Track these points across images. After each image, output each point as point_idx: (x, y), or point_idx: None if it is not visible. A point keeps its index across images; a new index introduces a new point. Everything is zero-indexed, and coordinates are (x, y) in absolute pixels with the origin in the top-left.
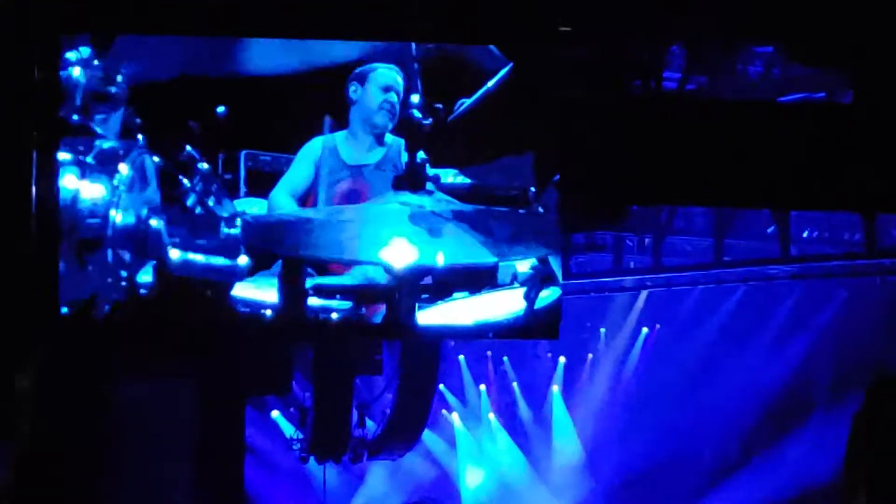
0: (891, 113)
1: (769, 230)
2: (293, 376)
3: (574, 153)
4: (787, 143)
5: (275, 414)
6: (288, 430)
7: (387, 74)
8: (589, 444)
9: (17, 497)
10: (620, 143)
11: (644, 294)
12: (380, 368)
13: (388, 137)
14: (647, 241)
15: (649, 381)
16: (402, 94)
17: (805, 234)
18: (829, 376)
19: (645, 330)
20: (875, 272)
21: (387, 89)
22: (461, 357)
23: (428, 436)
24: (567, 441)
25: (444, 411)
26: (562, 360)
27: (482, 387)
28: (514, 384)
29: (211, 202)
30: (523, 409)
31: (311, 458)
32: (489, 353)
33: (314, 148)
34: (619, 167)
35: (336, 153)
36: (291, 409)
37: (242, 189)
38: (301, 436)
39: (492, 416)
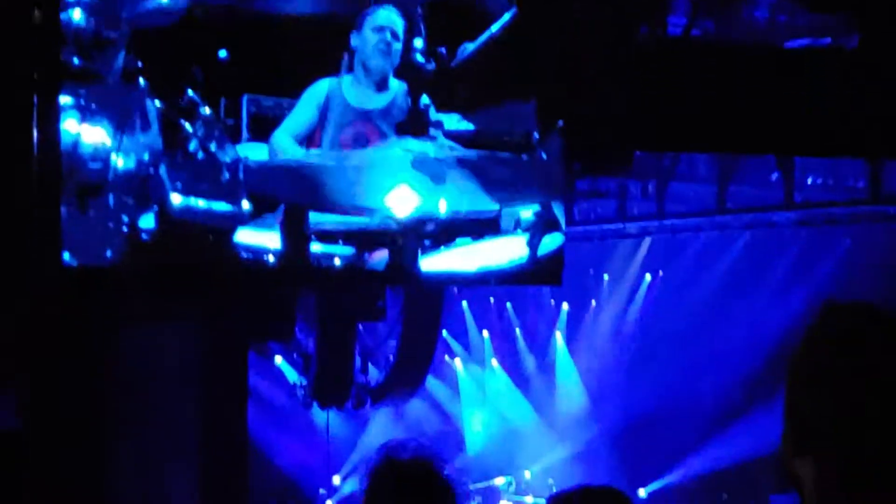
0: (894, 58)
1: (773, 177)
2: (296, 323)
3: (578, 99)
4: (791, 89)
5: (278, 360)
6: (291, 376)
7: (381, 15)
8: (592, 390)
9: (25, 443)
10: (625, 88)
11: (647, 241)
12: (383, 315)
13: (394, 82)
14: (650, 187)
15: (652, 328)
16: (400, 35)
17: (809, 181)
18: None
19: (648, 276)
20: (879, 219)
21: (380, 29)
22: (464, 303)
23: (431, 382)
24: (571, 387)
25: (446, 357)
26: (565, 306)
27: (485, 333)
28: (517, 330)
29: (213, 147)
30: (526, 355)
31: (315, 405)
32: (492, 299)
33: (319, 90)
34: (623, 113)
35: (342, 96)
36: (295, 356)
37: (245, 134)
38: (304, 382)
39: (495, 361)
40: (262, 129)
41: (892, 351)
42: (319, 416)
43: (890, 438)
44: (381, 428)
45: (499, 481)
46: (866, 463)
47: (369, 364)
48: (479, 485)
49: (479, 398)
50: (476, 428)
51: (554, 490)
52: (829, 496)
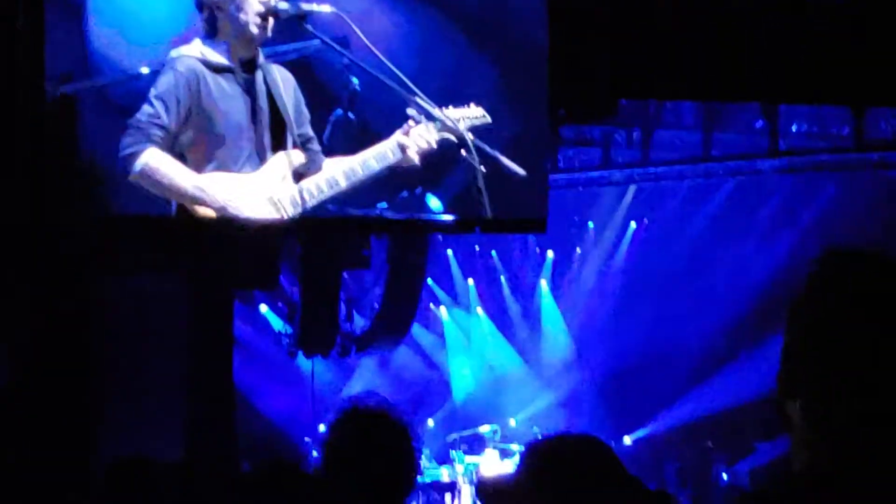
0: (881, 5)
1: (758, 124)
2: (281, 271)
3: (563, 47)
4: (776, 36)
5: (263, 308)
6: (277, 324)
7: None
8: (577, 338)
9: (15, 395)
10: (609, 35)
11: (632, 188)
12: (368, 263)
13: None
14: (635, 135)
15: (637, 275)
16: None
17: (794, 128)
18: None
19: (633, 224)
20: (863, 166)
21: None
22: (449, 251)
23: (417, 330)
24: (556, 334)
25: (431, 305)
26: (550, 254)
27: (470, 281)
28: (502, 278)
29: None
30: (512, 303)
31: (300, 353)
32: (477, 247)
33: None
34: (608, 60)
35: None
36: (280, 304)
37: None
38: (289, 330)
39: (480, 310)
40: None
41: (890, 301)
42: (305, 364)
43: (878, 385)
44: (366, 376)
45: (484, 429)
46: (852, 406)
47: (354, 312)
48: (465, 433)
49: (464, 346)
50: (462, 375)
51: (540, 437)
52: (815, 437)
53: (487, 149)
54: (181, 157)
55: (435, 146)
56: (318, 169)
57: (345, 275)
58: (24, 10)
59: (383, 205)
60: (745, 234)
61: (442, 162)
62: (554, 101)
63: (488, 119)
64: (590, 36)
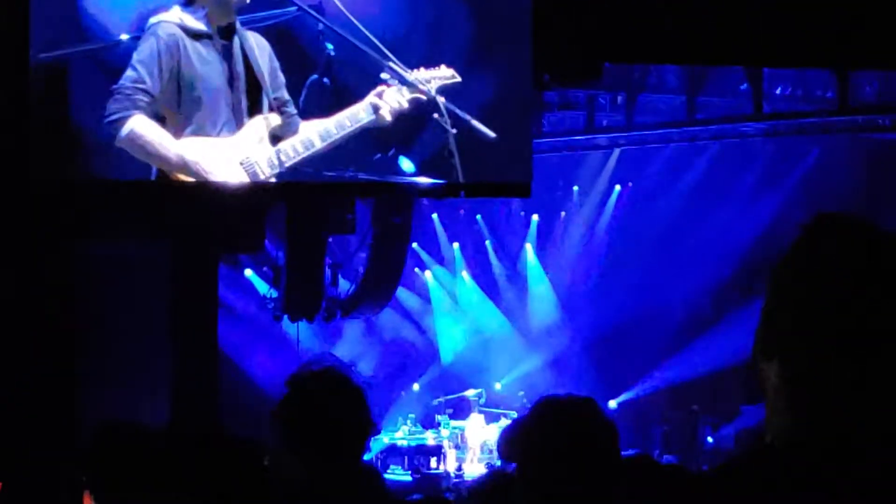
0: None
1: (742, 87)
2: (266, 235)
3: (547, 10)
4: (761, 0)
5: (248, 273)
6: (262, 288)
7: None
8: (563, 301)
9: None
10: (593, 1)
11: (617, 152)
12: (353, 227)
13: None
14: (619, 98)
15: (622, 239)
16: None
17: (778, 91)
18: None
19: (618, 188)
20: (847, 129)
21: None
22: (435, 216)
23: (403, 294)
24: (542, 297)
25: (416, 269)
26: (535, 218)
27: (455, 245)
28: (488, 242)
29: None
30: (497, 267)
31: (285, 317)
32: (462, 211)
33: None
34: (591, 24)
35: None
36: (265, 269)
37: None
38: (275, 294)
39: (465, 273)
40: None
41: (875, 269)
42: (291, 328)
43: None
44: (352, 339)
45: (469, 393)
46: (832, 368)
47: (339, 276)
48: (450, 397)
49: (451, 308)
50: (450, 336)
51: (525, 402)
52: (792, 399)
53: (459, 112)
54: (161, 119)
55: (407, 106)
56: (294, 131)
57: (329, 239)
58: None
59: (356, 167)
60: (730, 197)
61: (414, 125)
62: (538, 65)
63: (458, 78)
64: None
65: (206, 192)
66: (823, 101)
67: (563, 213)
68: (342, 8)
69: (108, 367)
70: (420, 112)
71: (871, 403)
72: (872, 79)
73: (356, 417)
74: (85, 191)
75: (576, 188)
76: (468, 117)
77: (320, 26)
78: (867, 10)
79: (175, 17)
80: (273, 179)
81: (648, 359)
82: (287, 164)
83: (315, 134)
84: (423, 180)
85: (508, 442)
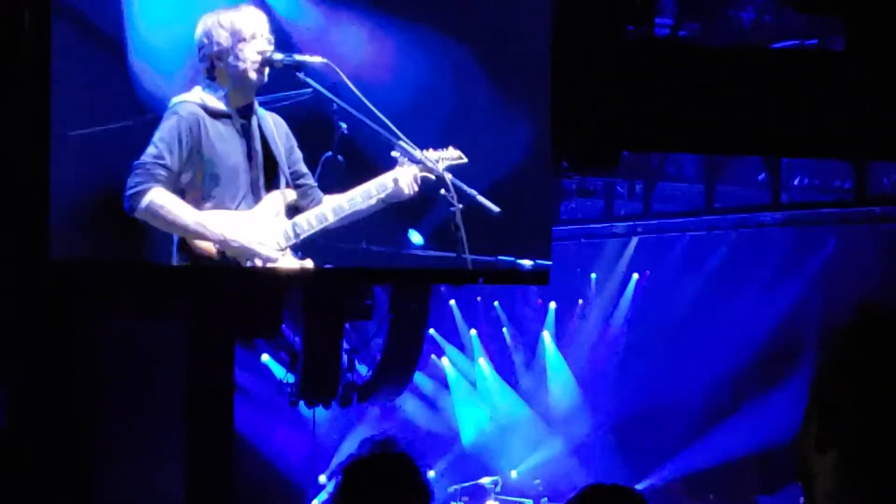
0: (882, 60)
1: (760, 177)
2: (283, 320)
3: (566, 98)
4: (778, 91)
5: (265, 358)
6: (279, 372)
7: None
8: (581, 389)
9: (10, 441)
10: (612, 88)
11: (634, 240)
12: (370, 313)
13: None
14: (637, 187)
15: (639, 328)
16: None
17: (796, 182)
18: (819, 324)
19: (636, 276)
20: (865, 219)
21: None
22: (452, 301)
23: (423, 380)
24: (562, 383)
25: (433, 356)
26: (552, 305)
27: (472, 331)
28: (505, 330)
29: None
30: (515, 354)
31: (301, 403)
32: (479, 298)
33: None
34: (610, 113)
35: None
36: (281, 354)
37: None
38: (292, 379)
39: (482, 360)
40: None
41: None
42: (308, 411)
43: None
44: (370, 424)
45: (485, 481)
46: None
47: (356, 362)
48: (466, 484)
49: (470, 393)
50: (471, 422)
51: (540, 489)
52: (850, 494)
53: (465, 188)
54: (181, 194)
55: (419, 184)
56: (318, 202)
57: (346, 325)
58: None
59: (367, 240)
60: (747, 286)
61: (423, 201)
62: (556, 152)
63: (465, 160)
64: (593, 87)
65: (222, 277)
66: (841, 192)
67: (580, 301)
68: (356, 91)
69: (122, 449)
70: (427, 188)
71: None
72: (890, 170)
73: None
74: (101, 271)
75: (593, 276)
76: (474, 192)
77: (335, 106)
78: (885, 100)
79: (196, 97)
80: (289, 252)
81: (665, 447)
82: (302, 237)
83: (329, 209)
84: (438, 258)
85: None
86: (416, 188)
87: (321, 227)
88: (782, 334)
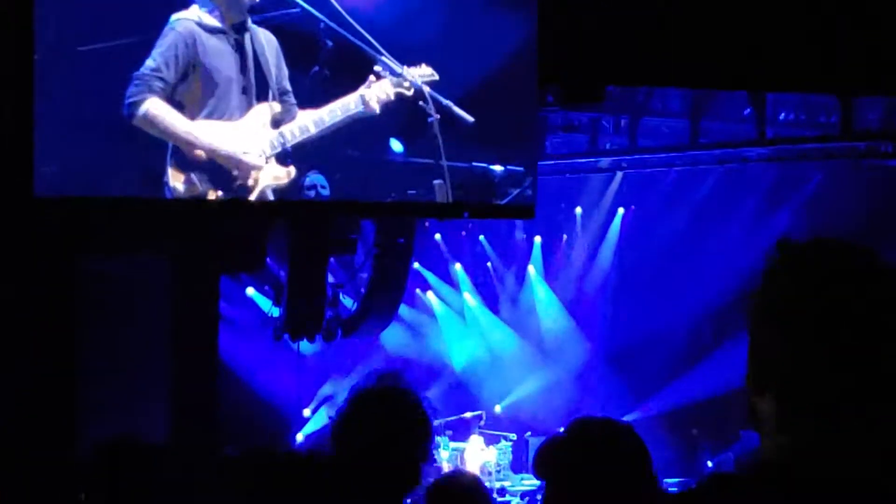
0: None
1: (745, 112)
2: (266, 254)
3: (551, 32)
4: (764, 25)
5: (250, 291)
6: (264, 305)
7: None
8: (565, 324)
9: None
10: (598, 22)
11: (619, 175)
12: (355, 248)
13: None
14: (623, 122)
15: (624, 262)
16: None
17: (781, 117)
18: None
19: (621, 210)
20: (850, 154)
21: None
22: (438, 236)
23: (409, 312)
24: (554, 315)
25: (418, 290)
26: (537, 239)
27: (458, 265)
28: (489, 264)
29: None
30: (501, 287)
31: (286, 336)
32: (464, 232)
33: None
34: (596, 46)
35: None
36: (266, 287)
37: None
38: (276, 313)
39: (468, 295)
40: None
41: (846, 287)
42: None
43: (846, 377)
44: (357, 359)
45: (468, 415)
46: (824, 400)
47: (340, 296)
48: (450, 418)
49: (458, 324)
50: (463, 353)
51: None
52: (787, 433)
53: (441, 99)
54: (179, 105)
55: (393, 98)
56: (292, 118)
57: (332, 259)
58: None
59: (350, 148)
60: (732, 221)
61: (403, 111)
62: (541, 86)
63: (436, 76)
64: (577, 22)
65: (206, 210)
66: (827, 127)
67: (564, 236)
68: (341, 10)
69: (108, 383)
70: (408, 101)
71: (872, 426)
72: (876, 105)
73: (416, 440)
74: (84, 206)
75: (579, 210)
76: (450, 104)
77: (321, 24)
78: (872, 36)
79: (193, 14)
80: (273, 160)
81: (649, 382)
82: (288, 145)
83: (310, 121)
84: (416, 164)
85: (542, 459)
86: (385, 100)
87: (304, 137)
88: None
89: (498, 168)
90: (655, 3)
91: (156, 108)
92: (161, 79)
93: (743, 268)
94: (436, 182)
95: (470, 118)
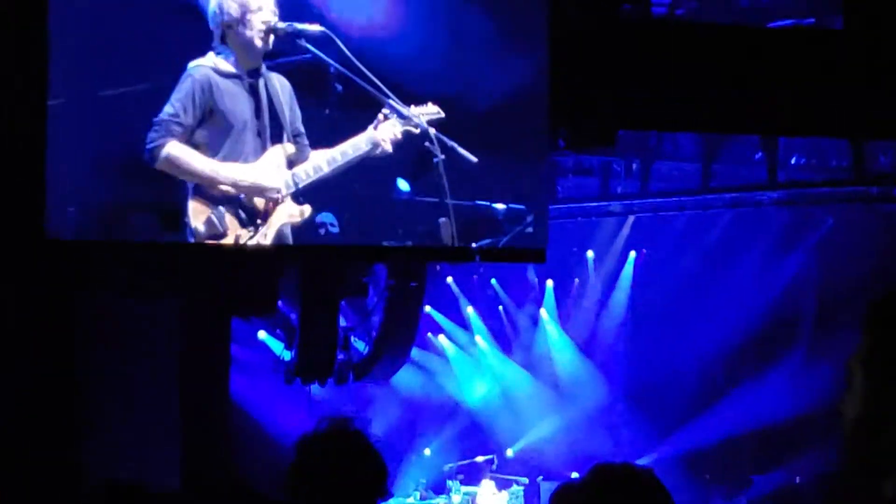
0: (879, 38)
1: (757, 156)
2: (278, 297)
3: (563, 76)
4: (776, 69)
5: (262, 335)
6: (276, 348)
7: None
8: (578, 368)
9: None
10: (610, 67)
11: (631, 219)
12: (366, 291)
13: None
14: (634, 165)
15: (636, 306)
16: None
17: (793, 161)
18: (815, 303)
19: (633, 253)
20: (862, 198)
21: None
22: (450, 279)
23: (421, 355)
24: (569, 357)
25: (429, 334)
26: (549, 283)
27: (470, 308)
28: (502, 307)
29: None
30: (514, 330)
31: (297, 380)
32: (475, 276)
33: None
34: (607, 91)
35: None
36: (277, 331)
37: None
38: (288, 356)
39: (479, 338)
40: None
41: None
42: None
43: None
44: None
45: (480, 459)
46: None
47: (352, 339)
48: (462, 462)
49: (473, 369)
50: (478, 394)
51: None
52: None
53: (447, 140)
54: (196, 148)
55: (400, 137)
56: (306, 158)
57: (343, 302)
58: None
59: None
60: (744, 265)
61: (409, 152)
62: (553, 130)
63: (442, 114)
64: (591, 66)
65: (218, 253)
66: (838, 171)
67: (576, 280)
68: (349, 55)
69: (119, 426)
70: (414, 141)
71: None
72: (888, 149)
73: (368, 479)
74: (98, 247)
75: (591, 254)
76: (454, 145)
77: (332, 69)
78: (883, 79)
79: (210, 61)
80: (289, 199)
81: (661, 426)
82: (301, 185)
83: (324, 161)
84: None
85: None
86: (395, 140)
87: (317, 176)
88: (776, 313)
89: (500, 206)
90: (667, 48)
91: (176, 149)
92: (179, 124)
93: (754, 313)
94: (441, 220)
95: (473, 158)
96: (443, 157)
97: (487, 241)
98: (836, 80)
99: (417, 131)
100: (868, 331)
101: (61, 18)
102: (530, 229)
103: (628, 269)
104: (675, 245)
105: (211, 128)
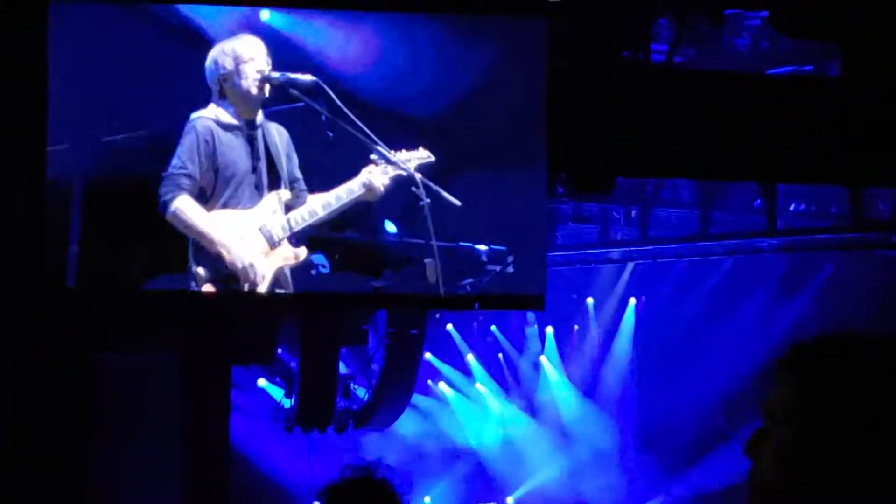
0: (877, 86)
1: (756, 203)
2: (278, 346)
3: (561, 125)
4: (774, 116)
5: (261, 382)
6: (276, 395)
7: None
8: (583, 414)
9: (6, 464)
10: (608, 114)
11: (630, 266)
12: (366, 339)
13: None
14: (633, 212)
15: (635, 353)
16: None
17: (792, 208)
18: None
19: (633, 300)
20: (861, 245)
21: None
22: (450, 326)
23: (423, 401)
24: (571, 403)
25: (430, 381)
26: (549, 330)
27: (470, 356)
28: (501, 354)
29: None
30: (514, 377)
31: (297, 428)
32: (475, 323)
33: None
34: (606, 138)
35: None
36: (277, 379)
37: None
38: (288, 405)
39: (479, 385)
40: None
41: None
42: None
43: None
44: (371, 447)
45: None
46: None
47: (352, 387)
48: None
49: (475, 415)
50: (478, 440)
51: None
52: None
53: (432, 185)
54: (202, 196)
55: (389, 182)
56: (303, 203)
57: (342, 350)
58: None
59: (350, 229)
60: (743, 312)
61: (397, 196)
62: (552, 178)
63: (432, 158)
64: (588, 113)
65: (217, 303)
66: (837, 218)
67: (576, 327)
68: (340, 104)
69: (120, 472)
70: (402, 186)
71: None
72: (886, 196)
73: None
74: (93, 300)
75: (590, 301)
76: (439, 189)
77: (323, 117)
78: (881, 126)
79: (211, 113)
80: (286, 242)
81: (659, 474)
82: (296, 229)
83: (319, 205)
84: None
85: None
86: (385, 185)
87: (312, 220)
88: (779, 357)
89: (482, 247)
90: (665, 95)
91: (182, 205)
92: (187, 175)
93: (754, 359)
94: (426, 261)
95: (457, 202)
96: (428, 200)
97: (470, 280)
98: (835, 126)
99: (405, 174)
100: (797, 375)
101: (61, 62)
102: (510, 269)
103: (629, 315)
104: (675, 292)
105: (212, 178)
